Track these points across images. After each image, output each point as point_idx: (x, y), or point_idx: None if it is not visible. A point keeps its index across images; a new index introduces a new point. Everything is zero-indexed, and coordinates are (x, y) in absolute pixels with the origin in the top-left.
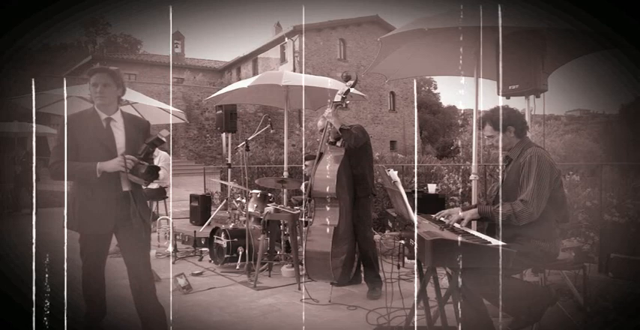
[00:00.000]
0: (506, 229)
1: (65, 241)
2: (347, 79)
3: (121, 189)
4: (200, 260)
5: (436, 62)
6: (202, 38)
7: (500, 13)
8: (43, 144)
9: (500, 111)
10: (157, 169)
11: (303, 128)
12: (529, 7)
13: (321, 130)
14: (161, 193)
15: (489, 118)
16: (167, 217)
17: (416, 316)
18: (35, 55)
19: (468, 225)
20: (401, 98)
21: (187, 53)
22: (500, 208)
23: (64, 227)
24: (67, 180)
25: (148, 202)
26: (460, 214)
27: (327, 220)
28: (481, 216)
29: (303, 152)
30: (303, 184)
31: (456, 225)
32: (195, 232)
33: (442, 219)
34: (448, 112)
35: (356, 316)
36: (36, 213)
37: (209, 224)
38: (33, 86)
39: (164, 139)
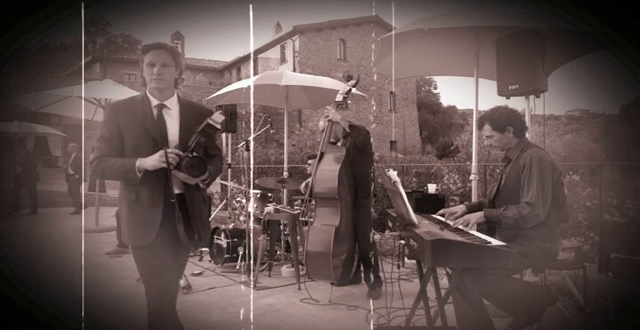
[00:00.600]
0: (507, 230)
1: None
2: (348, 78)
3: (169, 190)
4: (200, 260)
5: (436, 62)
6: (202, 38)
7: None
8: (43, 144)
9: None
10: (203, 161)
11: (303, 128)
12: (529, 7)
13: (322, 131)
14: None
15: (488, 118)
16: None
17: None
18: (35, 55)
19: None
20: (401, 98)
21: (187, 53)
22: (507, 212)
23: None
24: (110, 179)
25: None
26: (466, 217)
27: (328, 220)
28: (487, 219)
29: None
30: (304, 183)
31: (459, 226)
32: None
33: (447, 220)
34: (448, 112)
35: (356, 316)
36: (36, 213)
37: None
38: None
39: (219, 126)
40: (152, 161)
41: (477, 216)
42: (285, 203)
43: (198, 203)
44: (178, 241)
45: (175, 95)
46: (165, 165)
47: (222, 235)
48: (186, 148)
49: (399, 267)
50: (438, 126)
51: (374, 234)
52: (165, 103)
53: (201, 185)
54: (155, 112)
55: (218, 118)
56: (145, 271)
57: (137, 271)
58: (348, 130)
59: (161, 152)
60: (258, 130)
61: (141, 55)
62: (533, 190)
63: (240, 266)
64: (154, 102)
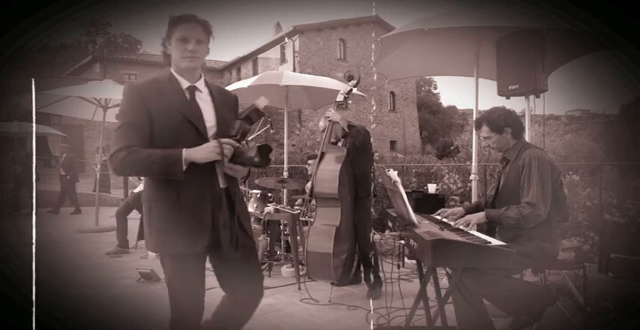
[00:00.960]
0: (507, 230)
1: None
2: (350, 78)
3: (216, 186)
4: None
5: (436, 62)
6: None
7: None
8: (43, 144)
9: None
10: (270, 149)
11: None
12: (529, 7)
13: (323, 131)
14: None
15: (486, 119)
16: None
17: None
18: (35, 55)
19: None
20: (401, 98)
21: None
22: (509, 212)
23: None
24: (140, 174)
25: None
26: (467, 217)
27: (329, 219)
28: (489, 220)
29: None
30: (309, 183)
31: (460, 226)
32: None
33: (446, 220)
34: (448, 112)
35: (356, 316)
36: (36, 213)
37: None
38: (33, 86)
39: (263, 112)
40: (204, 153)
41: (478, 216)
42: (285, 203)
43: (241, 199)
44: (227, 242)
45: (203, 77)
46: (220, 157)
47: None
48: (226, 136)
49: (399, 267)
50: (438, 126)
51: (374, 234)
52: (196, 85)
53: (240, 180)
54: (187, 94)
55: (262, 102)
56: (186, 284)
57: (138, 272)
58: (347, 130)
59: (215, 142)
60: (258, 130)
61: (168, 29)
62: (534, 190)
63: None
64: (185, 83)
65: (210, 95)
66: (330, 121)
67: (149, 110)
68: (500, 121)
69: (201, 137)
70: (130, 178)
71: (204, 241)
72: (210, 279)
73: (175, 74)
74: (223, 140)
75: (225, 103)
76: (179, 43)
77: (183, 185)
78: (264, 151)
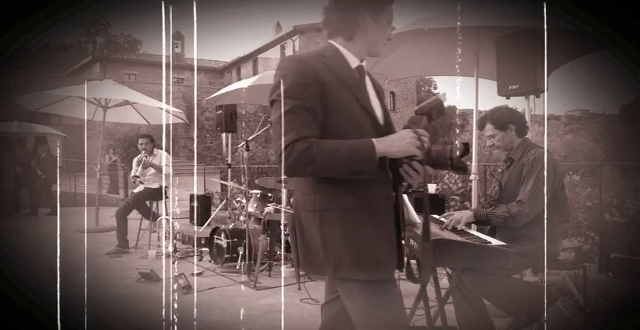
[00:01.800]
0: (508, 231)
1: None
2: None
3: (389, 192)
4: (200, 260)
5: (436, 62)
6: (202, 38)
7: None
8: (43, 144)
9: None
10: (468, 150)
11: None
12: (529, 7)
13: None
14: (161, 193)
15: (489, 117)
16: (167, 217)
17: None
18: (35, 55)
19: (468, 225)
20: (401, 98)
21: (187, 53)
22: (496, 210)
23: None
24: (320, 174)
25: (148, 202)
26: (456, 216)
27: None
28: (477, 219)
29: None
30: None
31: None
32: (195, 232)
33: (443, 219)
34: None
35: None
36: (37, 214)
37: (209, 224)
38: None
39: (445, 109)
40: (402, 144)
41: (467, 215)
42: (285, 203)
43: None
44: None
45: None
46: (418, 152)
47: (222, 235)
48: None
49: None
50: (438, 126)
51: None
52: (363, 65)
53: (403, 189)
54: (357, 75)
55: (444, 98)
56: (391, 311)
57: (138, 272)
58: None
59: (411, 132)
60: (258, 130)
61: (380, 3)
62: (528, 189)
63: (240, 266)
64: (354, 61)
65: (371, 81)
66: None
67: (322, 90)
68: (503, 118)
69: (376, 129)
70: (130, 179)
71: (394, 261)
72: (211, 278)
73: (344, 49)
74: (419, 131)
75: (380, 92)
76: (386, 25)
77: (354, 190)
78: (465, 151)
